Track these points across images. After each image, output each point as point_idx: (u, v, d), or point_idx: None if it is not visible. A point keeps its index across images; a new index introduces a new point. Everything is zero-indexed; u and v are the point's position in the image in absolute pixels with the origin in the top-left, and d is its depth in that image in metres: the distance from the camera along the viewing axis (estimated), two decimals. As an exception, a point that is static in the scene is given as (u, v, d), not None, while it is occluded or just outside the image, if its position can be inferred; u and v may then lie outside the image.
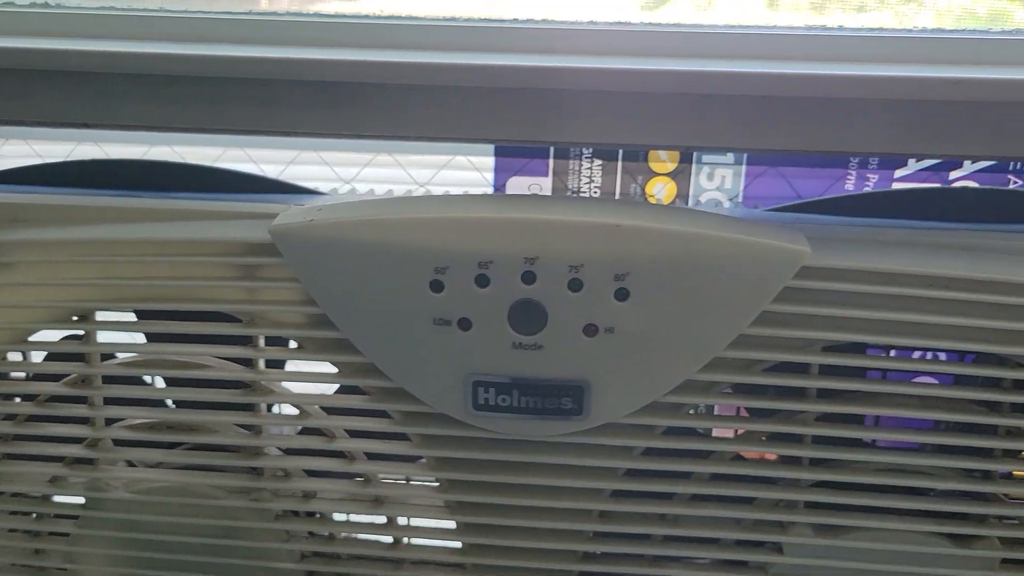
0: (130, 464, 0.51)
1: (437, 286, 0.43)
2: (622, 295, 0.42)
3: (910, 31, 0.49)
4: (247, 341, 0.47)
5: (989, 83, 0.45)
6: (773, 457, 0.48)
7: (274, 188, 0.52)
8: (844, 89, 0.45)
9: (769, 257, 0.42)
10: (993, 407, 0.45)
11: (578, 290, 0.42)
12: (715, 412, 0.52)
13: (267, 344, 0.47)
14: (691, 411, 0.47)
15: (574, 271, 0.42)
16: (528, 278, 0.42)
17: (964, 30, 0.49)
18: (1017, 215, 0.48)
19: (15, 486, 0.52)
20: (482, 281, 0.43)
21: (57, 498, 0.52)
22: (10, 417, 0.49)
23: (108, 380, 0.48)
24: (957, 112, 0.46)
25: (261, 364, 0.47)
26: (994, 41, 0.48)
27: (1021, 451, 0.45)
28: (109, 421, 0.49)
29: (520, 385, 0.44)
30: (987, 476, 0.46)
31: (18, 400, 0.50)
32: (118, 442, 0.49)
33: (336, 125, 0.49)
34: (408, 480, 0.49)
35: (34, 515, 0.53)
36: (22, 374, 0.51)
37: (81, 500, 0.51)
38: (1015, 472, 0.47)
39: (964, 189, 0.52)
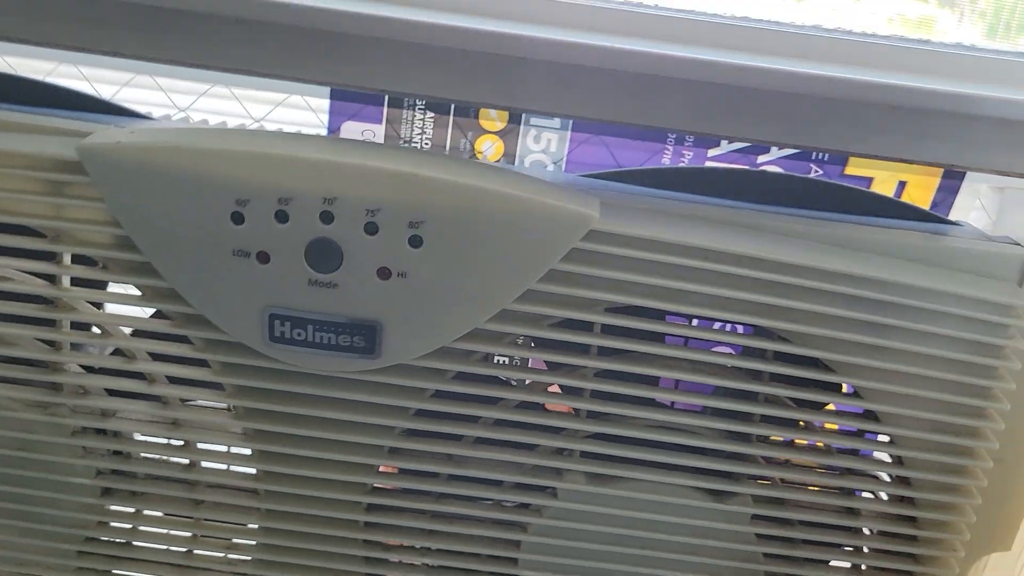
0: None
1: (238, 218, 0.44)
2: (416, 242, 0.44)
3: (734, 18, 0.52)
4: (51, 257, 0.47)
5: (781, 74, 0.48)
6: (566, 409, 0.51)
7: (99, 108, 0.52)
8: (647, 66, 0.48)
9: (559, 218, 0.45)
10: (756, 375, 0.49)
11: (374, 233, 0.44)
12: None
13: (74, 263, 0.48)
14: (485, 357, 0.49)
15: (371, 214, 0.44)
16: (326, 218, 0.44)
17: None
18: (810, 201, 0.52)
19: None
20: (281, 217, 0.44)
21: None
22: None
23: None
24: (759, 99, 0.49)
25: (65, 281, 0.48)
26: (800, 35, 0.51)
27: (776, 417, 0.49)
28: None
29: (315, 321, 0.46)
30: (745, 438, 0.50)
31: None
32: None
33: (168, 50, 0.50)
34: (206, 406, 0.51)
35: None
36: None
37: None
38: (772, 437, 0.51)
39: (764, 172, 0.55)
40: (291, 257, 0.45)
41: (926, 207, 0.60)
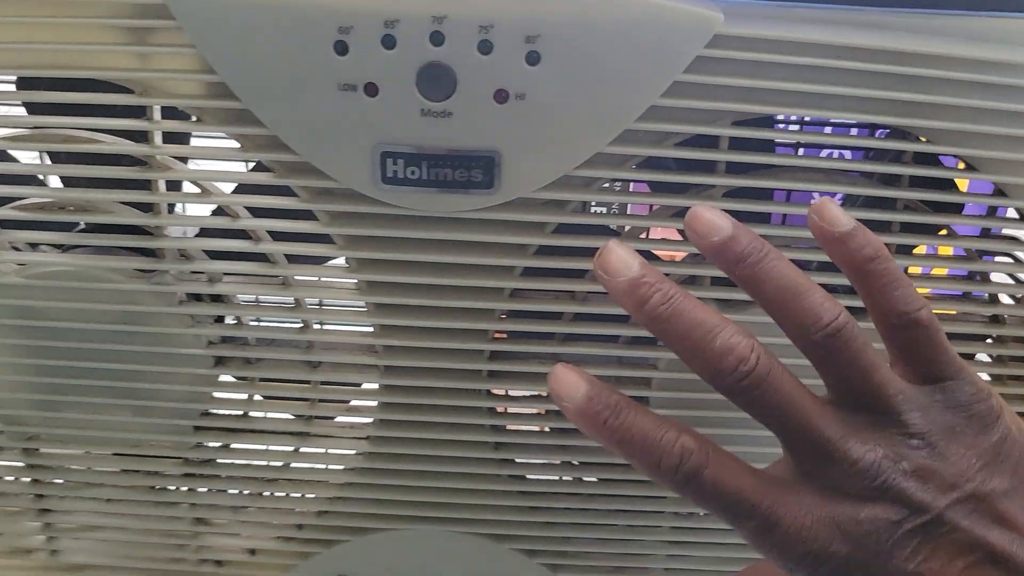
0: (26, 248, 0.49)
1: (342, 47, 0.41)
2: (533, 59, 0.41)
3: None
4: (141, 113, 0.44)
5: None
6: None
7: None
8: None
9: (682, 22, 0.41)
10: (893, 181, 0.47)
11: (488, 52, 0.41)
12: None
13: (163, 117, 0.45)
14: (610, 185, 0.47)
15: (484, 31, 0.41)
16: (436, 39, 0.41)
17: None
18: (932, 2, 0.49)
19: None
20: (388, 42, 0.41)
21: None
22: None
23: (-10, 158, 0.46)
24: None
25: (157, 138, 0.45)
26: None
27: (919, 224, 0.47)
28: (-4, 201, 0.46)
29: (429, 156, 0.43)
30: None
31: None
32: (5, 223, 0.47)
33: None
34: (317, 261, 0.48)
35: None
36: None
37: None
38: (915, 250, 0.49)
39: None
40: (401, 86, 0.42)
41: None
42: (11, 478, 0.54)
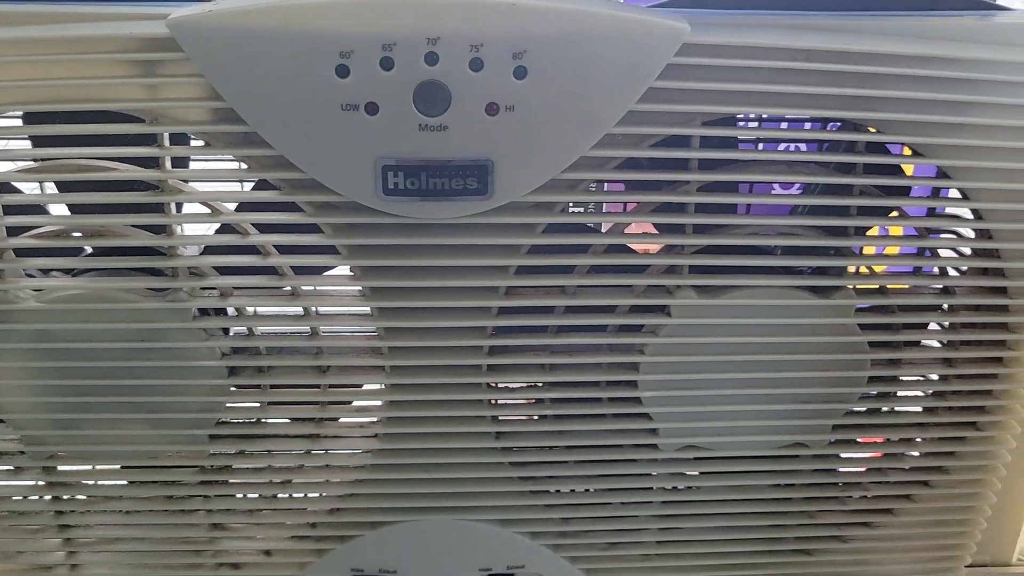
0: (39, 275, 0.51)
1: (343, 71, 0.44)
2: (521, 73, 0.45)
3: None
4: (151, 141, 0.47)
5: None
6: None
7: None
8: None
9: (653, 33, 0.46)
10: (848, 170, 0.51)
11: (479, 69, 0.45)
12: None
13: (172, 143, 0.47)
14: (592, 187, 0.50)
15: (475, 50, 0.44)
16: (431, 59, 0.44)
17: None
18: (878, 5, 0.53)
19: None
20: (387, 64, 0.44)
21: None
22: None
23: (4, 189, 0.48)
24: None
25: (168, 163, 0.48)
26: None
27: (873, 207, 0.51)
28: (11, 231, 0.49)
29: (428, 167, 0.47)
30: (843, 232, 0.52)
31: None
32: (20, 252, 0.49)
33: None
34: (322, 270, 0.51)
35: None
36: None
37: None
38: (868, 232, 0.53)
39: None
40: (400, 104, 0.45)
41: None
42: (33, 497, 0.56)
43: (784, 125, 0.51)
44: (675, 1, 0.54)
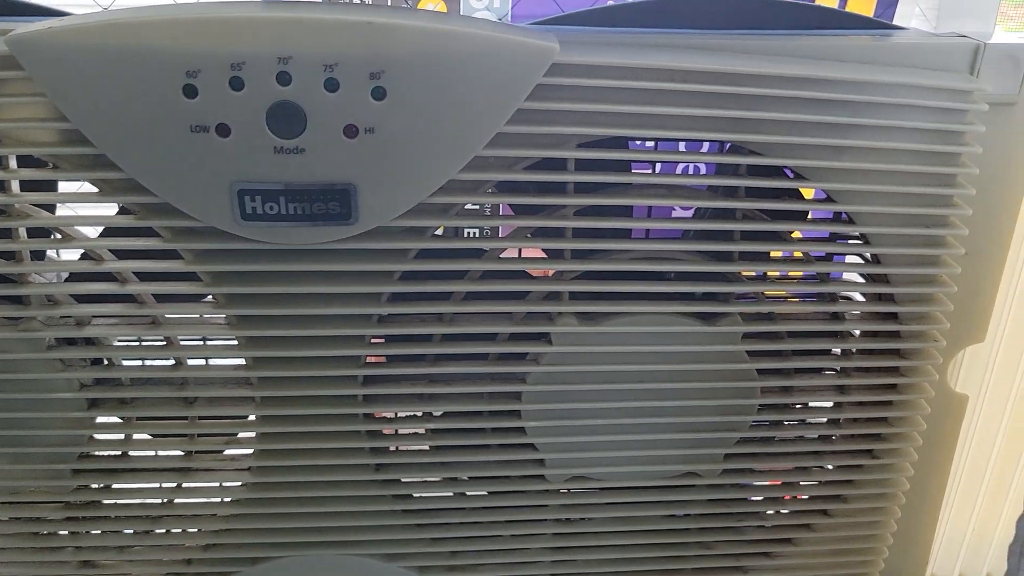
0: None
1: (191, 91, 0.42)
2: (379, 94, 0.43)
3: None
4: (-4, 163, 0.45)
5: None
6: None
7: (18, 11, 0.49)
8: None
9: (520, 53, 0.44)
10: (731, 193, 0.50)
11: (335, 90, 0.43)
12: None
13: (20, 166, 0.45)
14: (471, 207, 0.49)
15: (329, 70, 0.42)
16: (284, 79, 0.42)
17: None
18: (762, 22, 0.52)
19: None
20: (236, 84, 0.42)
21: None
22: None
23: None
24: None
25: (15, 186, 0.45)
26: None
27: (756, 231, 0.50)
28: None
29: (286, 192, 0.45)
30: (727, 257, 0.51)
31: None
32: None
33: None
34: (184, 299, 0.49)
35: None
36: None
37: None
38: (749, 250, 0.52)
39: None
40: (252, 125, 0.43)
41: (870, 18, 0.61)
42: None
43: (681, 146, 0.49)
44: (559, 19, 0.53)
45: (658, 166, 0.61)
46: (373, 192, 0.45)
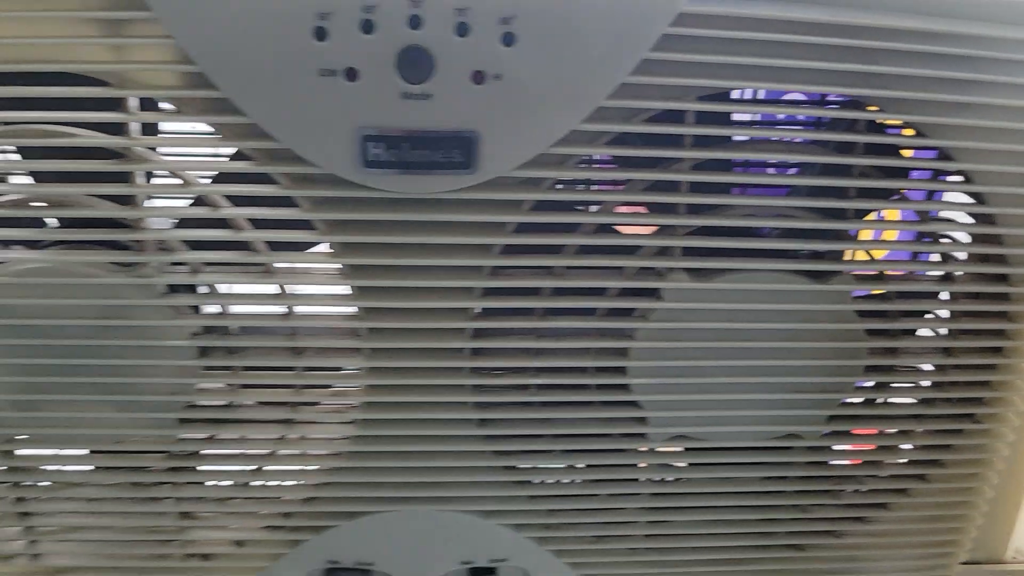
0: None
1: (321, 33, 0.42)
2: (509, 40, 0.43)
3: None
4: (117, 105, 0.44)
5: None
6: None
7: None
8: None
9: (648, 2, 0.43)
10: (847, 150, 0.49)
11: (465, 35, 0.42)
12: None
13: (140, 109, 0.45)
14: (580, 163, 0.48)
15: (461, 14, 0.42)
16: (414, 22, 0.42)
17: None
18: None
19: None
20: (367, 26, 0.42)
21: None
22: None
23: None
24: None
25: (134, 130, 0.45)
26: None
27: (872, 189, 0.49)
28: (-32, 201, 0.46)
29: (411, 138, 0.44)
30: (842, 215, 0.50)
31: None
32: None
33: None
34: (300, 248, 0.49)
35: None
36: None
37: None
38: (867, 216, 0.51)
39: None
40: (381, 70, 0.43)
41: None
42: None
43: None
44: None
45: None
46: (495, 140, 0.45)
